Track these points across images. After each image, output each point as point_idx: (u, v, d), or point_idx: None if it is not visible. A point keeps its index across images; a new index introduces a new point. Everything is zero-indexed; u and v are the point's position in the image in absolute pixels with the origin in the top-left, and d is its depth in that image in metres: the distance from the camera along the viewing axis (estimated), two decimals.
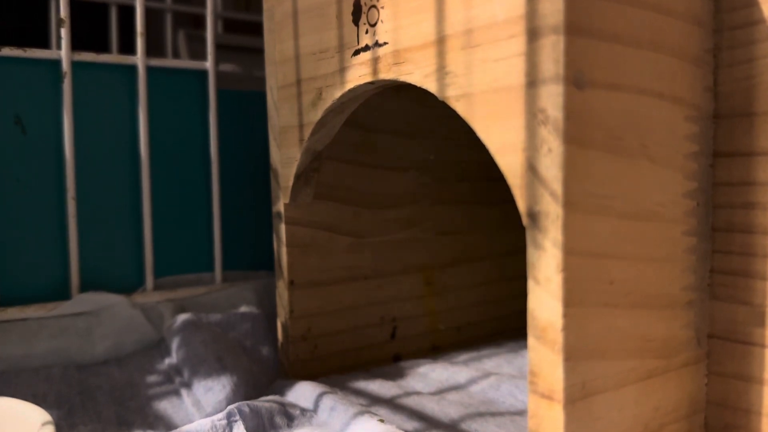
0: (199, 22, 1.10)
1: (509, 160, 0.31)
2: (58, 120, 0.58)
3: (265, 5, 0.50)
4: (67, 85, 0.57)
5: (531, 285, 0.30)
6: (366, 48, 0.40)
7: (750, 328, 0.34)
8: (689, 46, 0.34)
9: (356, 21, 0.41)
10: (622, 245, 0.31)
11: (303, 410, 0.42)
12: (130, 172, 0.61)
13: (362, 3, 0.40)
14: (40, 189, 0.57)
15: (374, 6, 0.39)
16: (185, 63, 0.65)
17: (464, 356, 0.56)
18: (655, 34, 0.32)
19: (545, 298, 0.29)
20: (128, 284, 0.62)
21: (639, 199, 0.32)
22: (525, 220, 0.30)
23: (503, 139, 0.31)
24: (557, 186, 0.29)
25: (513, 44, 0.31)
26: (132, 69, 0.61)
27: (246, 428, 0.38)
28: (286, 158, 0.49)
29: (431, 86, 0.35)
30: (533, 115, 0.30)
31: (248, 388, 0.47)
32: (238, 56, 0.84)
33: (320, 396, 0.43)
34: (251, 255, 0.69)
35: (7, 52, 0.55)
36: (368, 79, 0.40)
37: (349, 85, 0.42)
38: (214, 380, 0.47)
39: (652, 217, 0.32)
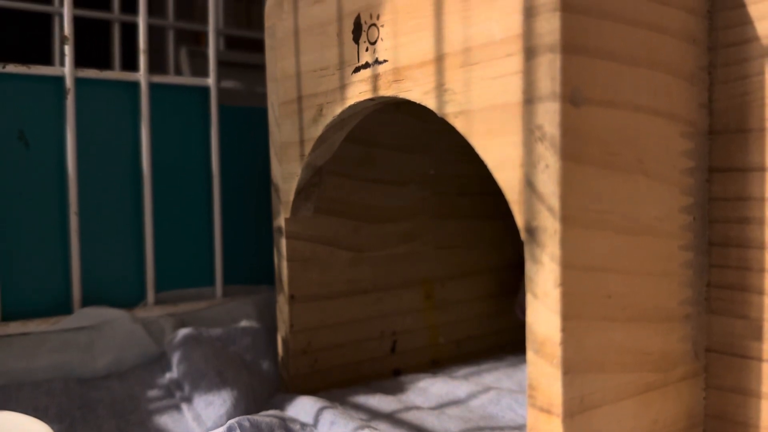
0: (201, 38, 1.11)
1: (507, 176, 0.31)
2: (61, 135, 0.58)
3: (267, 23, 0.51)
4: (70, 101, 0.58)
5: (529, 299, 0.30)
6: (366, 65, 0.41)
7: (747, 342, 0.35)
8: (684, 63, 0.34)
9: (356, 39, 0.41)
10: (619, 260, 0.31)
11: (303, 425, 0.42)
12: (132, 187, 0.62)
13: (362, 21, 0.41)
14: (42, 204, 0.58)
15: (374, 24, 0.40)
16: (187, 79, 0.66)
17: (464, 370, 0.56)
18: (651, 51, 0.32)
19: (544, 312, 0.30)
20: (129, 299, 0.62)
21: (636, 214, 0.32)
22: (523, 235, 0.31)
23: (501, 155, 0.32)
24: (554, 201, 0.29)
25: (510, 62, 0.31)
26: (134, 85, 0.61)
27: None
28: (286, 173, 0.50)
29: (430, 103, 0.36)
30: (530, 131, 0.30)
31: (248, 403, 0.47)
32: (240, 73, 0.85)
33: (320, 410, 0.43)
34: (252, 269, 0.69)
35: (12, 68, 0.56)
36: (368, 95, 0.41)
37: (350, 102, 0.42)
38: (214, 395, 0.47)
39: (649, 231, 0.33)
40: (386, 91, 0.39)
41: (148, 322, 0.59)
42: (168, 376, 0.54)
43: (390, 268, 0.56)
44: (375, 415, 0.45)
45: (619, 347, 0.32)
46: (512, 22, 0.31)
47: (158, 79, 0.62)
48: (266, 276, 0.69)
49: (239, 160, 0.68)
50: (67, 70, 0.58)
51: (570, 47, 0.29)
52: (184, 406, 0.48)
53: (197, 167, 0.65)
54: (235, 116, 0.68)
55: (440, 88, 0.35)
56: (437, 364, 0.59)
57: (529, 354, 0.30)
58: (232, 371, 0.50)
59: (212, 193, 0.65)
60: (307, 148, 0.47)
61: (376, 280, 0.55)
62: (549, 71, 0.29)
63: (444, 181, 0.59)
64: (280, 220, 0.50)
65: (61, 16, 0.77)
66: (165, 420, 0.46)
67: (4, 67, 0.56)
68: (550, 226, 0.29)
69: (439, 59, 0.35)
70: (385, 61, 0.39)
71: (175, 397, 0.50)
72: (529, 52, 0.30)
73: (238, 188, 0.68)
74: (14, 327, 0.55)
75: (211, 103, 0.64)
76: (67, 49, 0.58)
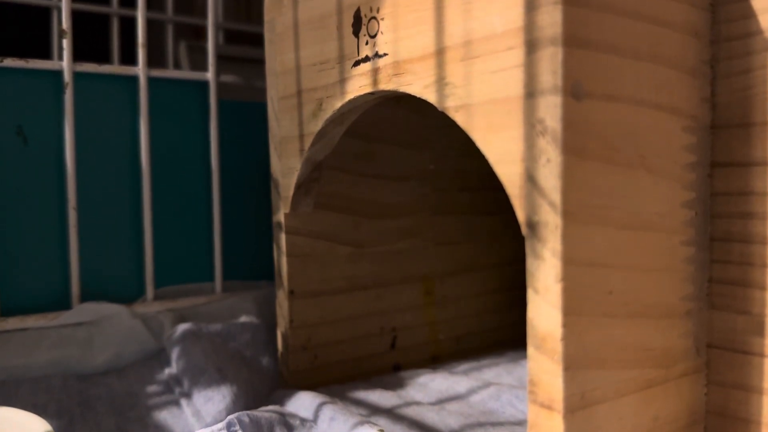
0: (200, 33, 1.11)
1: (508, 171, 0.31)
2: (59, 130, 0.58)
3: (266, 17, 0.51)
4: (68, 96, 0.57)
5: (530, 294, 0.30)
6: (366, 59, 0.40)
7: (749, 338, 0.34)
8: (687, 57, 0.34)
9: (356, 32, 0.41)
10: (620, 255, 0.31)
11: (303, 420, 0.42)
12: (131, 182, 0.62)
13: (362, 14, 0.40)
14: (41, 199, 0.58)
15: (374, 17, 0.39)
16: (186, 74, 0.66)
17: (464, 366, 0.56)
18: (653, 45, 0.32)
19: (545, 308, 0.29)
20: (129, 294, 0.62)
21: (637, 209, 0.32)
22: (524, 230, 0.30)
23: (502, 150, 0.31)
24: (556, 196, 0.29)
25: (511, 56, 0.31)
26: (133, 80, 0.61)
27: None
28: (286, 168, 0.49)
29: (431, 97, 0.35)
30: (532, 125, 0.30)
31: (248, 399, 0.47)
32: (239, 67, 0.85)
33: (320, 406, 0.43)
34: (251, 265, 0.69)
35: (9, 62, 0.56)
36: (368, 89, 0.40)
37: (349, 96, 0.42)
38: (214, 390, 0.47)
39: (651, 227, 0.32)
40: (386, 85, 0.39)
41: (147, 318, 0.59)
42: (167, 371, 0.53)
43: (390, 264, 0.56)
44: (375, 410, 0.45)
45: (620, 343, 0.31)
46: (513, 14, 0.31)
47: (157, 73, 0.62)
48: (266, 271, 0.69)
49: (238, 155, 0.68)
50: (65, 64, 0.57)
51: (571, 40, 0.29)
52: (184, 402, 0.48)
53: (196, 162, 0.65)
54: (235, 111, 0.68)
55: (441, 81, 0.35)
56: (437, 360, 0.58)
57: (530, 350, 0.30)
58: (231, 367, 0.50)
59: (211, 188, 0.65)
60: (307, 143, 0.47)
61: (376, 276, 0.55)
62: (550, 65, 0.29)
63: (444, 177, 0.59)
64: (280, 216, 0.50)
65: (59, 9, 0.77)
66: (164, 416, 0.46)
67: (2, 61, 0.55)
68: (551, 221, 0.29)
69: (440, 53, 0.35)
70: (385, 54, 0.39)
71: (175, 393, 0.50)
72: (531, 46, 0.30)
73: (238, 183, 0.68)
74: (13, 322, 0.55)
75: (210, 97, 0.64)
76: (66, 43, 0.58)
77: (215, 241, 0.65)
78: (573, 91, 0.29)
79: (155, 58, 0.83)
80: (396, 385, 0.51)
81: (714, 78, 0.35)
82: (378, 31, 0.39)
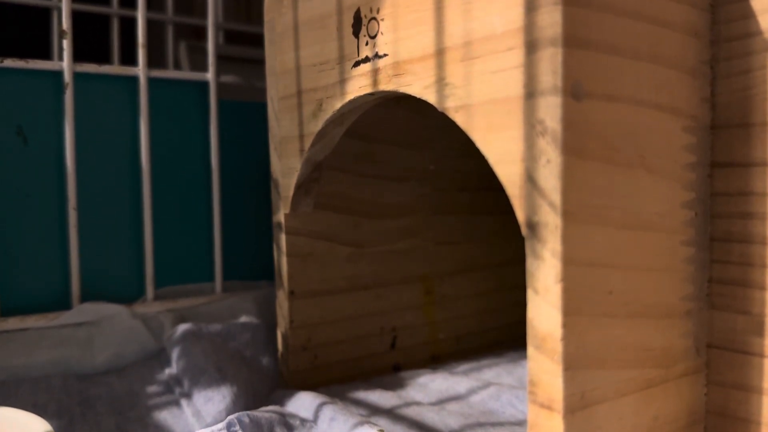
0: (200, 33, 1.11)
1: (508, 171, 0.31)
2: (59, 131, 0.58)
3: (266, 17, 0.51)
4: (68, 96, 0.57)
5: (530, 295, 0.30)
6: (366, 59, 0.40)
7: (749, 338, 0.34)
8: (686, 57, 0.34)
9: (356, 33, 0.41)
10: (620, 255, 0.31)
11: (303, 420, 0.42)
12: (131, 182, 0.62)
13: (362, 15, 0.40)
14: (41, 199, 0.58)
15: (374, 18, 0.39)
16: (186, 74, 0.66)
17: (464, 366, 0.56)
18: (653, 45, 0.32)
19: (545, 308, 0.29)
20: (129, 294, 0.62)
21: (637, 210, 0.32)
22: (524, 231, 0.30)
23: (502, 150, 0.31)
24: (556, 196, 0.29)
25: (511, 56, 0.31)
26: (133, 80, 0.61)
27: None
28: (286, 168, 0.49)
29: (431, 97, 0.35)
30: (532, 126, 0.30)
31: (248, 399, 0.47)
32: (239, 67, 0.85)
33: (320, 406, 0.43)
34: (251, 265, 0.69)
35: (9, 63, 0.56)
36: (368, 90, 0.40)
37: (349, 96, 0.42)
38: (214, 390, 0.47)
39: (651, 227, 0.33)
40: (386, 85, 0.39)
41: (147, 318, 0.59)
42: (167, 371, 0.53)
43: (390, 264, 0.56)
44: (375, 410, 0.45)
45: (620, 343, 0.31)
46: (513, 15, 0.31)
47: (157, 73, 0.62)
48: (266, 272, 0.69)
49: (239, 155, 0.68)
50: (65, 64, 0.57)
51: (571, 41, 0.29)
52: (184, 402, 0.48)
53: (196, 162, 0.65)
54: (235, 111, 0.68)
55: (441, 82, 0.35)
56: (437, 359, 0.58)
57: (530, 350, 0.30)
58: (231, 367, 0.50)
59: (211, 189, 0.65)
60: (307, 143, 0.47)
61: (376, 276, 0.55)
62: (550, 65, 0.29)
63: (444, 177, 0.59)
64: (280, 216, 0.50)
65: (59, 10, 0.77)
66: (164, 416, 0.46)
67: (2, 62, 0.55)
68: (551, 221, 0.29)
69: (440, 53, 0.35)
70: (385, 55, 0.39)
71: (175, 393, 0.50)
72: (531, 46, 0.30)
73: (238, 183, 0.68)
74: (13, 323, 0.55)
75: (210, 97, 0.64)
76: (66, 44, 0.58)
77: (215, 241, 0.65)
78: (573, 92, 0.29)
79: (155, 59, 0.83)
80: (396, 385, 0.51)
81: (714, 78, 0.35)
82: (378, 31, 0.39)
